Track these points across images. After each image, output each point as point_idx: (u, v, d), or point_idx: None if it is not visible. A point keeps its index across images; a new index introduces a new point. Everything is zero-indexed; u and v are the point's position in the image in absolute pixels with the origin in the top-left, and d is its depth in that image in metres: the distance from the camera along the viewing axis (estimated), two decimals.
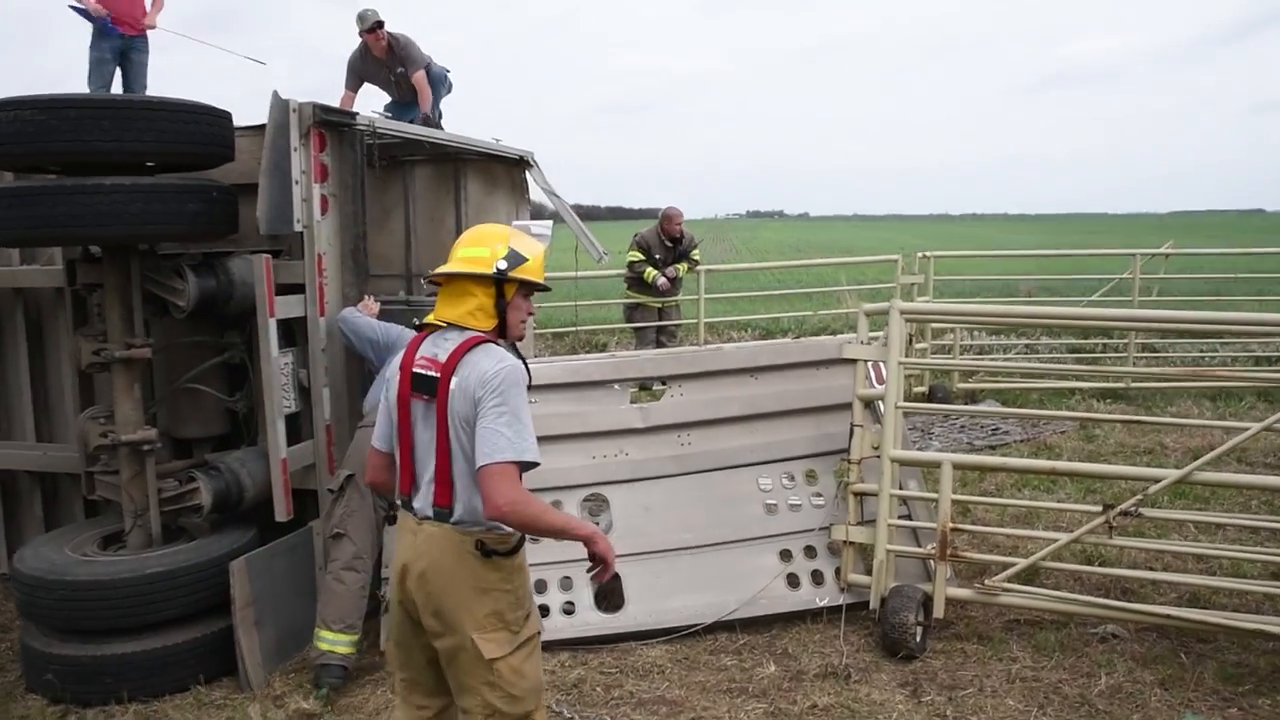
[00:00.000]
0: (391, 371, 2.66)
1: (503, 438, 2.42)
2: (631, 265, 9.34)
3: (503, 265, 2.55)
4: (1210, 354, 10.95)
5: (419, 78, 7.22)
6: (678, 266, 9.27)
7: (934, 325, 10.19)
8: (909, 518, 5.14)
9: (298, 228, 4.36)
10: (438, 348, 2.55)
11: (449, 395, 2.47)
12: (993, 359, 10.60)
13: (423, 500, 2.55)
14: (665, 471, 5.23)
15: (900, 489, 5.00)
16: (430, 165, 7.33)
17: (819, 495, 5.26)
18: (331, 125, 4.53)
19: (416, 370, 2.56)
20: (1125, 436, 8.28)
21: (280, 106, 4.21)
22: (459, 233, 7.57)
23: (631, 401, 5.36)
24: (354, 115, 4.58)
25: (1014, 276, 15.08)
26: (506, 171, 7.23)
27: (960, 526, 4.78)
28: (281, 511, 4.29)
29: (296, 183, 4.32)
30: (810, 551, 5.07)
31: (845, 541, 4.92)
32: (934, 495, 4.78)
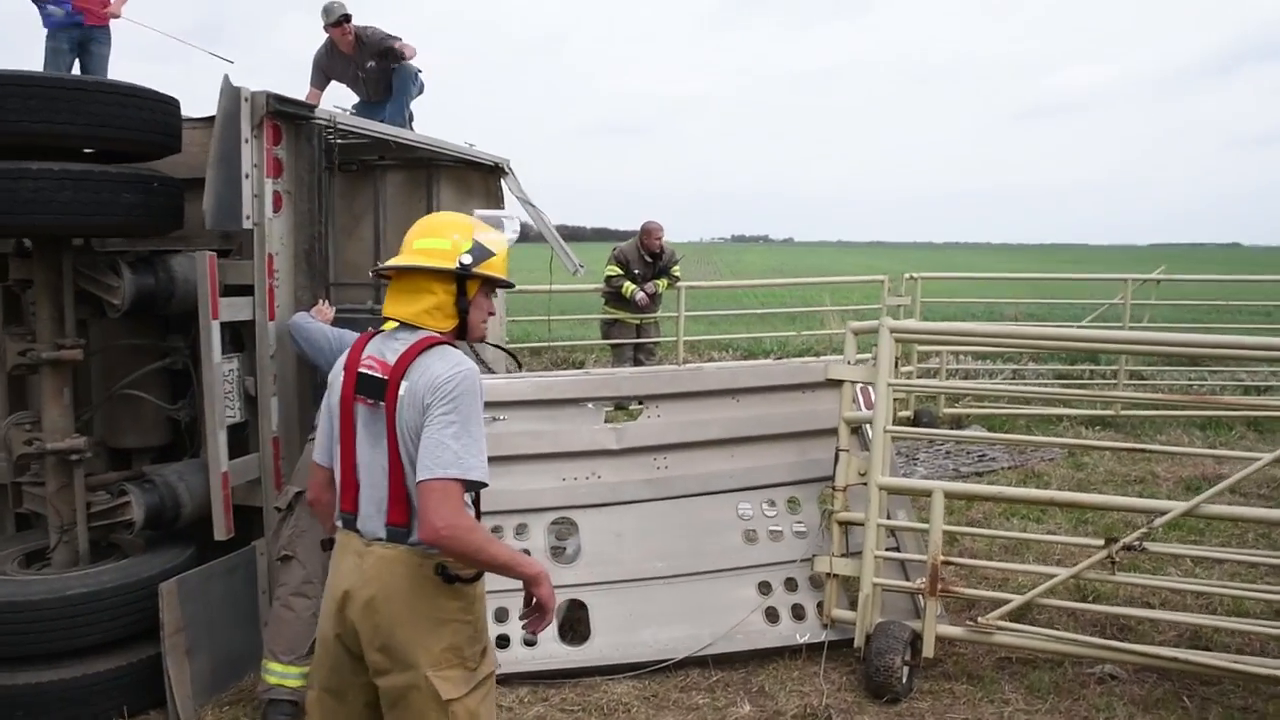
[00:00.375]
0: (335, 373, 2.42)
1: (448, 450, 2.18)
2: (609, 280, 9.07)
3: (466, 260, 2.31)
4: (1199, 381, 10.77)
5: (400, 44, 6.82)
6: (657, 282, 9.01)
7: (920, 348, 9.96)
8: (896, 549, 4.87)
9: (247, 224, 4.05)
10: (386, 348, 2.32)
11: (397, 402, 2.25)
12: (980, 383, 10.36)
13: (371, 519, 2.30)
14: (640, 496, 4.92)
15: (888, 518, 4.72)
16: (402, 171, 7.05)
17: (801, 524, 4.97)
18: (288, 118, 4.23)
19: (362, 370, 2.33)
20: (1115, 465, 8.05)
21: (231, 94, 3.91)
22: None
23: (606, 421, 5.07)
24: (312, 108, 4.28)
25: (1001, 300, 14.90)
26: (481, 179, 6.96)
27: (951, 560, 4.50)
28: (221, 530, 3.96)
29: (247, 176, 4.02)
30: (791, 584, 4.78)
31: (829, 574, 4.63)
32: (924, 525, 4.51)
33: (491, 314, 2.47)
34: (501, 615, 4.45)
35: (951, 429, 9.18)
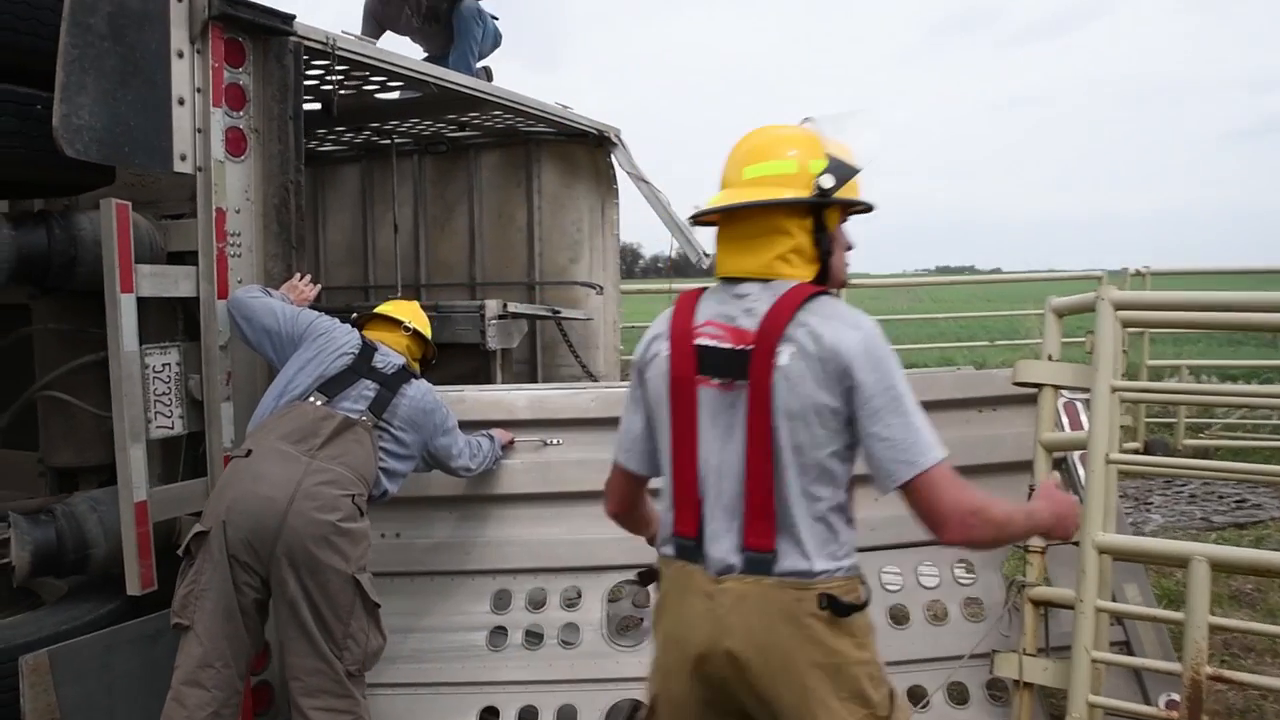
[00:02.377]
0: (647, 354, 1.96)
1: (919, 432, 1.77)
2: None
3: (828, 183, 1.83)
4: None
5: None
6: None
7: (1150, 362, 7.86)
8: (1127, 647, 3.21)
9: (182, 167, 3.01)
10: (732, 310, 1.86)
11: (774, 377, 1.78)
12: (1252, 391, 7.98)
13: (721, 542, 1.83)
14: None
15: (1113, 598, 3.08)
16: (497, 151, 6.02)
17: (975, 601, 3.39)
18: (251, 30, 3.18)
19: (704, 343, 1.86)
20: None
21: None
22: (530, 232, 6.31)
23: None
24: (284, 16, 3.20)
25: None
26: (588, 155, 5.80)
27: (1223, 675, 2.80)
28: (134, 581, 2.91)
29: (181, 102, 2.99)
30: (959, 693, 3.21)
31: (1018, 681, 3.03)
32: (1173, 615, 2.87)
33: (850, 249, 1.96)
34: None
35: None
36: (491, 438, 3.45)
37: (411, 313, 3.31)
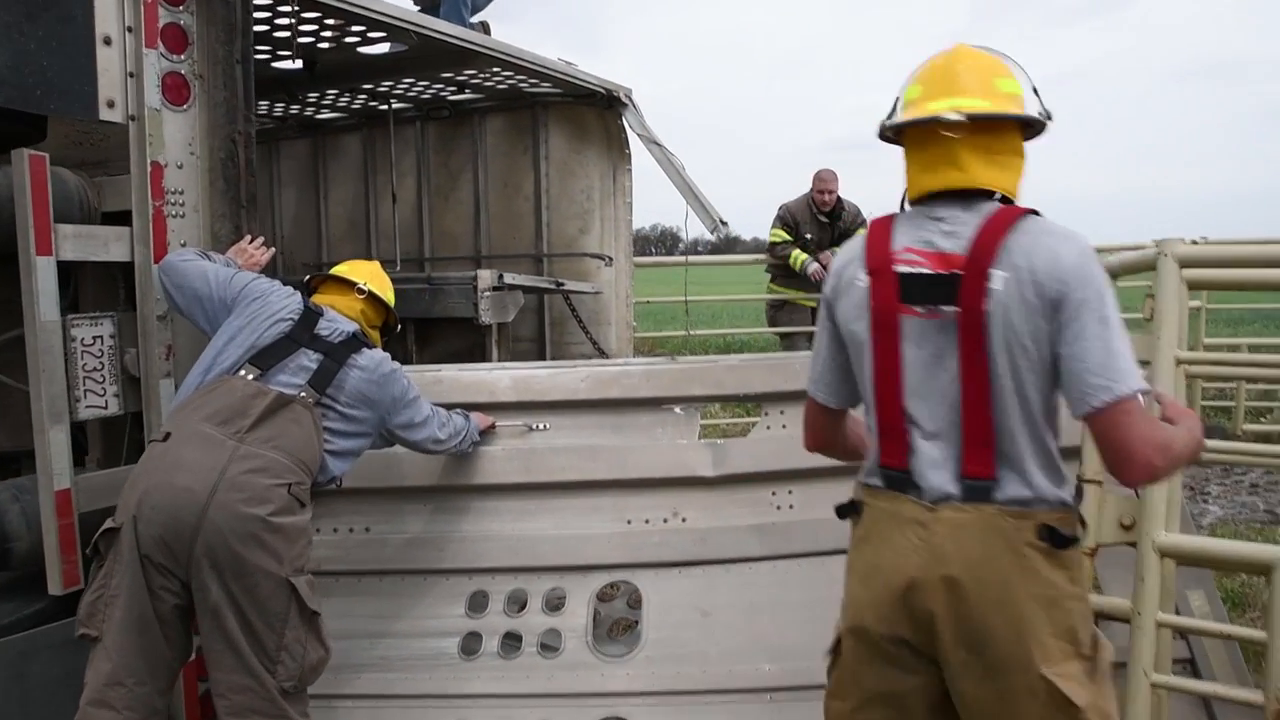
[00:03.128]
0: (840, 283, 1.90)
1: (1121, 357, 1.67)
2: (774, 248, 6.88)
3: (1038, 107, 1.83)
4: None
5: None
6: (837, 250, 6.81)
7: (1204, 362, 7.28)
8: (1192, 666, 2.78)
9: (109, 116, 2.68)
10: (933, 233, 1.79)
11: (988, 302, 1.71)
12: None
13: (936, 471, 1.78)
14: (744, 552, 3.14)
15: (1176, 610, 2.65)
16: (502, 115, 5.64)
17: None
18: None
19: (906, 270, 1.79)
20: None
21: None
22: (537, 202, 5.88)
23: (700, 436, 3.31)
24: None
25: None
26: (599, 118, 5.41)
27: None
28: (56, 579, 2.61)
29: (108, 42, 2.65)
30: None
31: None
32: (1253, 633, 2.44)
33: None
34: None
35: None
36: (467, 416, 3.09)
37: (369, 273, 2.93)
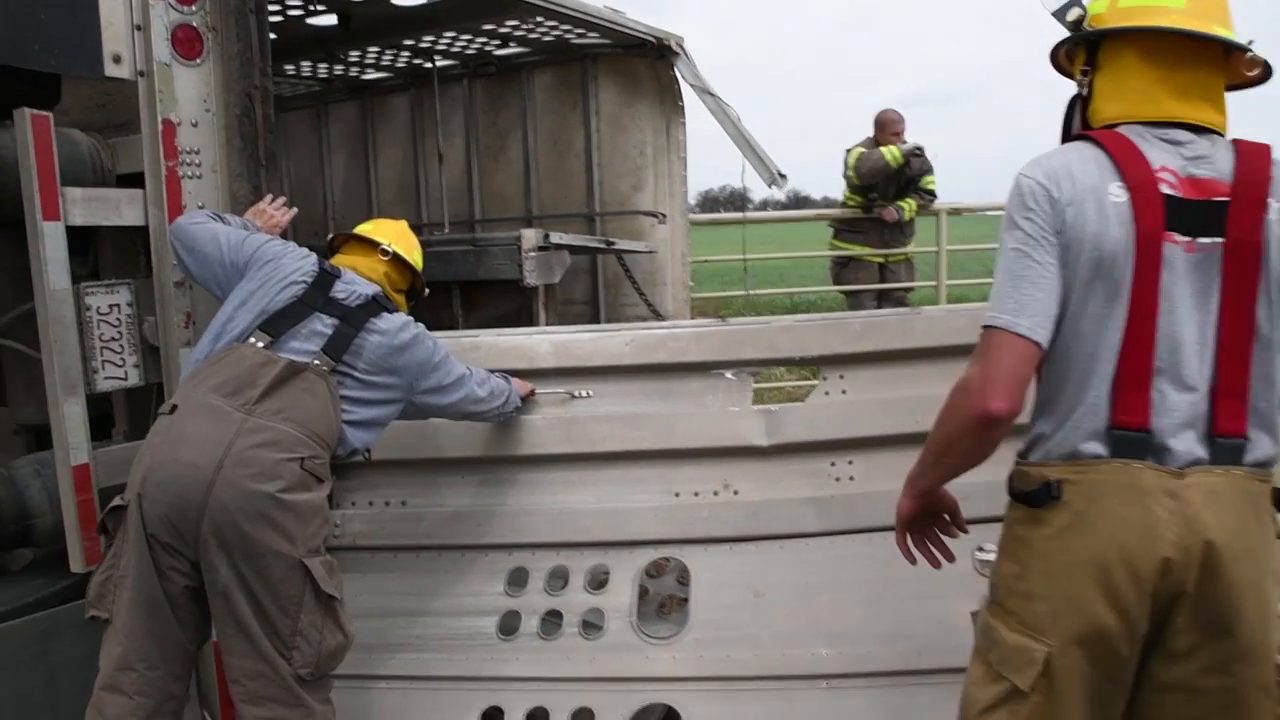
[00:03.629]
0: (1075, 190, 1.61)
1: None
2: (860, 162, 6.32)
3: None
4: None
5: None
6: (902, 204, 6.28)
7: None
8: None
9: (117, 72, 2.54)
10: (1178, 156, 1.61)
11: (1264, 234, 1.56)
12: None
13: (1187, 432, 1.57)
14: (800, 527, 2.91)
15: None
16: (550, 70, 5.41)
17: None
18: None
19: (1170, 191, 1.58)
20: None
21: None
22: (588, 159, 5.57)
23: (752, 403, 3.08)
24: None
25: None
26: (650, 69, 5.13)
27: None
28: (76, 555, 2.52)
29: None
30: None
31: None
32: None
33: None
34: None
35: None
36: (507, 379, 2.90)
37: (394, 233, 2.76)
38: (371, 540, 3.07)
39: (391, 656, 2.86)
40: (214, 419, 2.15)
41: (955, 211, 6.39)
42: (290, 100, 6.09)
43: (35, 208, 2.40)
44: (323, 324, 2.37)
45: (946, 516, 1.93)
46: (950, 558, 1.96)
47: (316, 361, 2.31)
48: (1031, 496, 1.68)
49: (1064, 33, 1.81)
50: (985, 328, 1.66)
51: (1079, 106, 1.81)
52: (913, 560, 1.96)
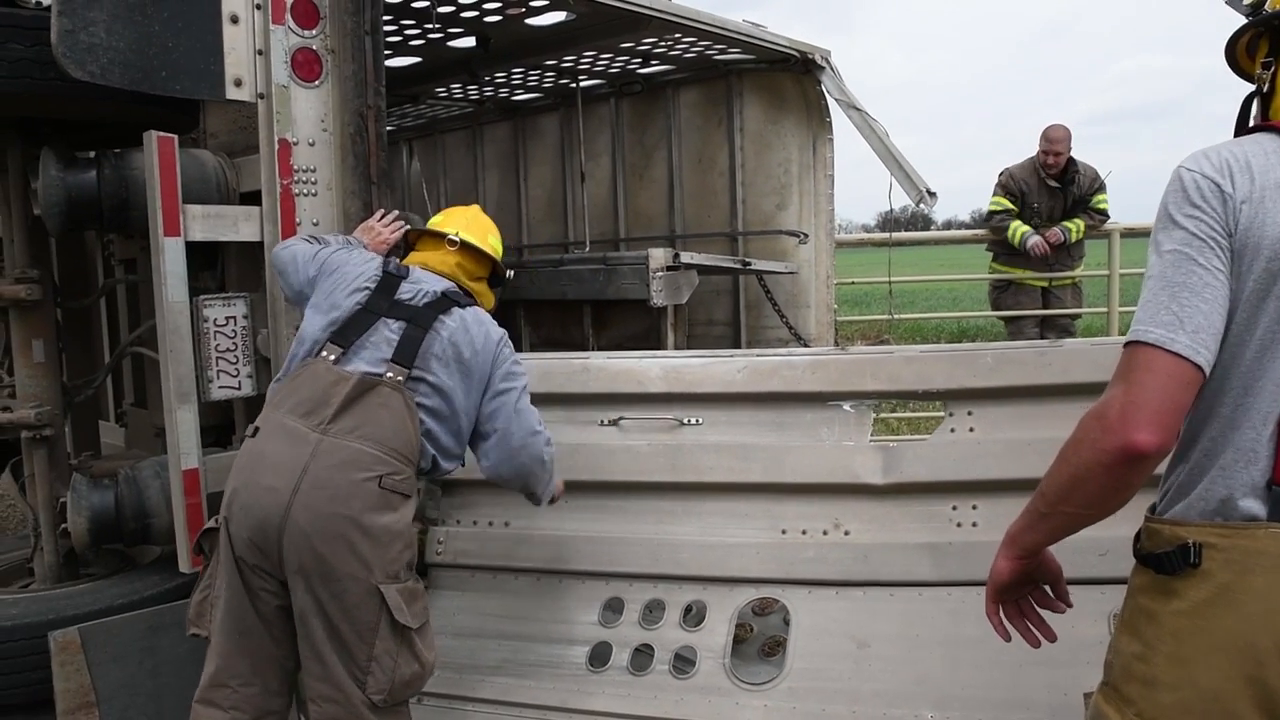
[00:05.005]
0: (1254, 187, 1.35)
1: None
2: (991, 218, 5.98)
3: None
4: None
5: None
6: (1069, 225, 5.72)
7: None
8: None
9: (236, 95, 2.65)
10: None
11: None
12: None
13: None
14: (913, 575, 2.68)
15: None
16: (696, 87, 5.34)
17: None
18: None
19: None
20: None
21: None
22: (732, 177, 5.34)
23: (870, 438, 2.87)
24: None
25: None
26: (796, 84, 4.98)
27: None
28: (185, 557, 2.63)
29: (235, 20, 2.61)
30: None
31: None
32: None
33: None
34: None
35: None
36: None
37: (464, 221, 2.61)
38: (473, 559, 3.06)
39: (482, 679, 2.83)
40: (291, 441, 2.15)
41: (1131, 232, 5.79)
42: (447, 122, 6.31)
43: (158, 223, 2.53)
44: (390, 330, 2.28)
45: (1047, 587, 1.63)
46: (1050, 636, 1.64)
47: (389, 373, 2.23)
48: (1162, 561, 1.38)
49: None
50: (1131, 343, 1.35)
51: (1257, 107, 1.52)
52: (1005, 636, 1.64)
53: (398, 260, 2.55)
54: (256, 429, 2.24)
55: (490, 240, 2.63)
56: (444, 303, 2.37)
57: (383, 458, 2.18)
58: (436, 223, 2.65)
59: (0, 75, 2.43)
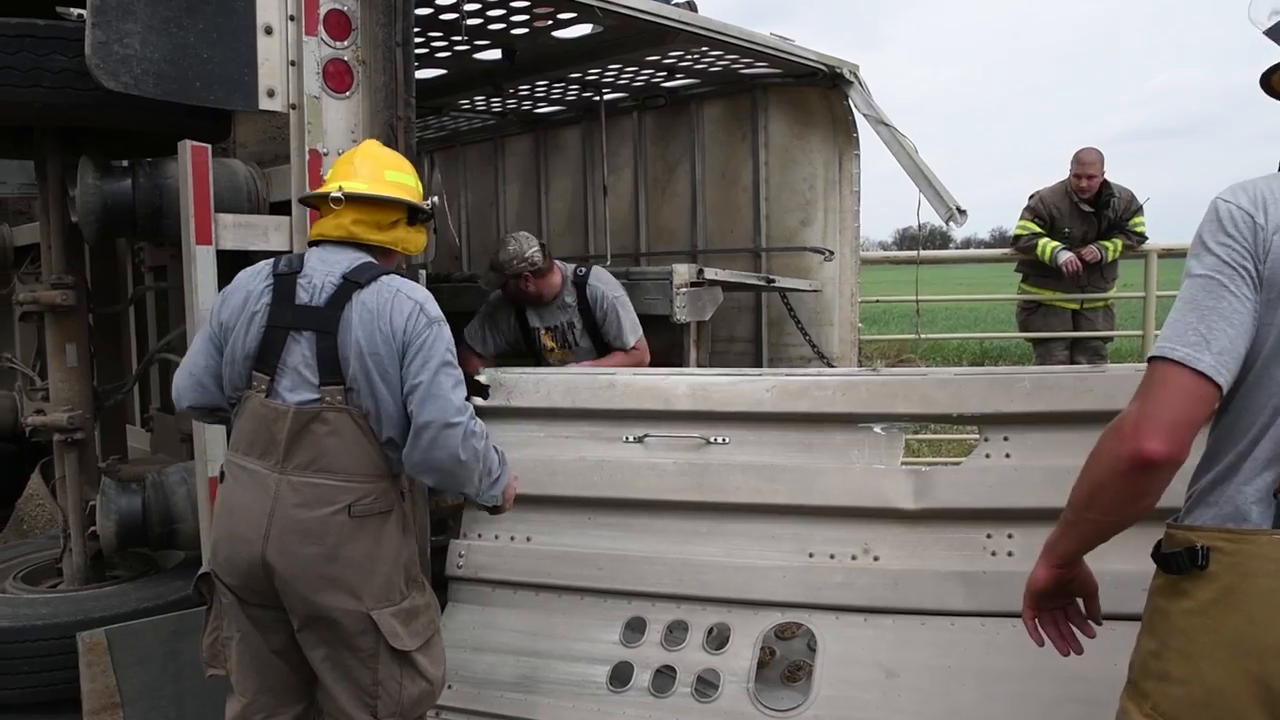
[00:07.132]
0: (1270, 234, 1.40)
1: None
2: (1017, 241, 5.92)
3: None
4: None
5: None
6: (1106, 244, 5.63)
7: None
8: None
9: (269, 105, 2.64)
10: None
11: None
12: None
13: None
14: (945, 604, 2.64)
15: None
16: (721, 101, 5.33)
17: None
18: None
19: None
20: None
21: None
22: (755, 192, 5.30)
23: (901, 462, 2.83)
24: None
25: None
26: (822, 99, 4.96)
27: None
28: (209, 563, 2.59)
29: (269, 31, 2.60)
30: None
31: None
32: None
33: None
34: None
35: None
36: (505, 460, 2.34)
37: (351, 168, 2.21)
38: (493, 574, 3.04)
39: (500, 695, 2.80)
40: (253, 486, 2.05)
41: (1169, 252, 5.72)
42: (469, 134, 6.30)
43: (190, 231, 2.52)
44: (301, 345, 2.05)
45: (1081, 602, 1.70)
46: (1079, 649, 1.72)
47: (326, 398, 2.04)
48: (1171, 561, 1.45)
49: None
50: (1154, 359, 1.42)
51: None
52: (1040, 641, 1.72)
53: (290, 253, 2.37)
54: (222, 473, 2.18)
55: (389, 177, 2.22)
56: (344, 292, 2.07)
57: (346, 486, 2.06)
58: (317, 192, 2.28)
59: (45, 86, 2.43)
